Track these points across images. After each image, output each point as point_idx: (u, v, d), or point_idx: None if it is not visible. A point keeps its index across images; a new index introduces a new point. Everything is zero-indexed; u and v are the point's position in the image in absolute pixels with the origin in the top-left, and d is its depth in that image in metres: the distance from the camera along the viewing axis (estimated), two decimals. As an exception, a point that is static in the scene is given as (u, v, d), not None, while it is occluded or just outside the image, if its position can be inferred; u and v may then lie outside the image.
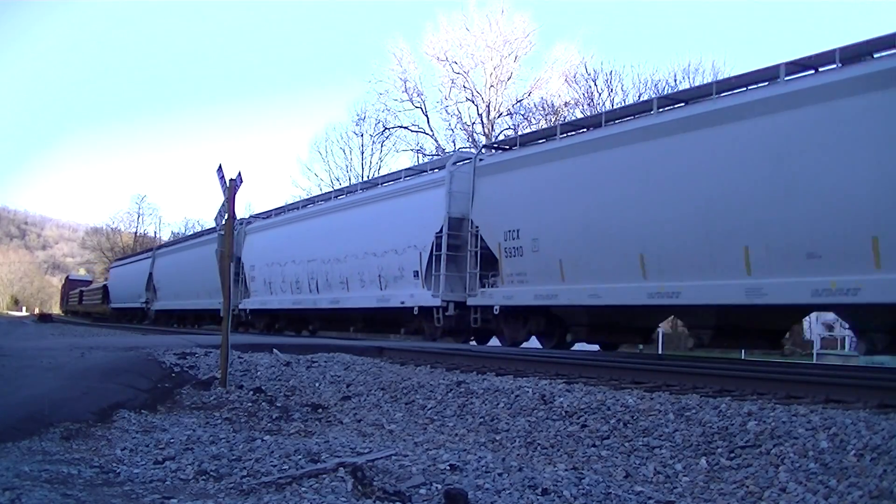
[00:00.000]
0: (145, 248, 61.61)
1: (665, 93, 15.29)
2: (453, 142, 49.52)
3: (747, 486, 5.24)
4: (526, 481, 4.99)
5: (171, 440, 6.49)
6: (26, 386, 8.76)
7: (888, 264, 10.13)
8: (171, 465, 5.56)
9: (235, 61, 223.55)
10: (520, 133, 19.76)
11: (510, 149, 18.11)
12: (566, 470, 5.57)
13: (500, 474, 5.17)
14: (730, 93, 12.78)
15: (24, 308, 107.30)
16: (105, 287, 57.36)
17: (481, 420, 7.75)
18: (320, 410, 8.74)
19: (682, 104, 13.75)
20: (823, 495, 4.87)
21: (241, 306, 27.69)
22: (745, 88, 12.66)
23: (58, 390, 8.50)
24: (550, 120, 46.17)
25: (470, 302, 17.61)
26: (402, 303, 19.06)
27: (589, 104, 45.98)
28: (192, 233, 53.45)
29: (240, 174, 10.28)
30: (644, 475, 5.71)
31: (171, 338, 16.26)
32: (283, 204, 30.21)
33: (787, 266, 11.33)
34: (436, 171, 19.61)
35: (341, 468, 4.97)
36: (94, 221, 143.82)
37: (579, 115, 46.33)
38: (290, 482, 4.82)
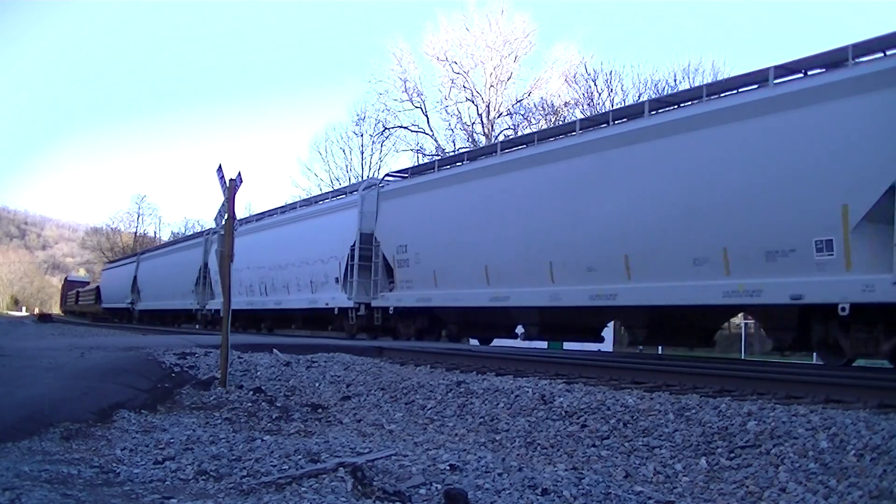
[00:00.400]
0: (145, 247, 62.58)
1: (539, 129, 21.45)
2: (453, 142, 49.55)
3: (747, 486, 5.24)
4: (526, 481, 5.00)
5: (171, 440, 6.49)
6: (26, 386, 8.76)
7: (635, 276, 13.57)
8: (171, 465, 5.56)
9: (235, 61, 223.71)
10: (413, 165, 24.76)
11: (406, 177, 21.72)
12: (566, 470, 5.58)
13: (499, 474, 5.17)
14: (546, 141, 16.77)
15: (23, 308, 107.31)
16: (97, 288, 60.67)
17: (481, 420, 7.75)
18: (320, 410, 8.74)
19: (520, 147, 17.65)
20: (823, 495, 4.87)
21: (207, 307, 32.58)
22: (554, 138, 16.56)
23: (58, 390, 8.50)
24: (550, 120, 46.20)
25: (374, 304, 21.13)
26: (327, 304, 22.66)
27: (589, 104, 45.99)
28: (169, 240, 57.46)
29: (240, 174, 10.27)
30: (644, 475, 5.71)
31: (170, 338, 16.26)
32: (247, 216, 34.33)
33: (575, 277, 14.80)
34: (353, 194, 23.16)
35: (341, 468, 4.97)
36: (93, 221, 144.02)
37: (579, 115, 46.44)
38: (290, 482, 4.82)
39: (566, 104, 46.51)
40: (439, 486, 4.82)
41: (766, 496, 5.07)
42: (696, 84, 34.35)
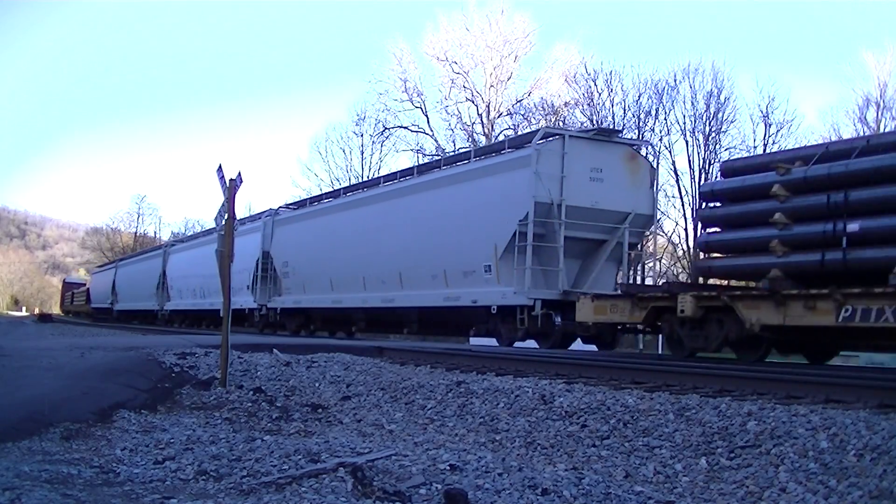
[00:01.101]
0: (145, 247, 63.55)
1: (394, 171, 26.21)
2: (453, 142, 49.49)
3: (747, 486, 5.24)
4: (526, 481, 5.00)
5: (171, 440, 6.49)
6: (26, 386, 8.76)
7: (405, 287, 19.99)
8: (171, 465, 5.56)
9: (235, 61, 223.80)
10: (298, 199, 32.42)
11: (293, 209, 28.82)
12: (566, 470, 5.58)
13: (500, 474, 5.17)
14: (361, 190, 24.58)
15: (23, 308, 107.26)
16: (88, 290, 67.18)
17: (481, 420, 7.75)
18: (320, 410, 8.74)
19: (351, 193, 24.91)
20: (823, 495, 4.87)
21: (164, 307, 39.49)
22: (364, 189, 24.48)
23: (58, 390, 8.51)
24: (550, 120, 46.18)
25: (269, 305, 27.93)
26: (241, 305, 28.27)
27: (589, 104, 45.95)
28: (139, 251, 62.05)
29: (240, 174, 10.28)
30: (644, 475, 5.72)
31: (170, 338, 16.26)
32: (185, 234, 43.65)
33: (375, 287, 21.27)
34: (259, 220, 30.19)
35: (341, 468, 4.97)
36: (94, 221, 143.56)
37: (579, 116, 46.47)
38: (290, 482, 4.82)
39: (566, 104, 46.51)
40: (439, 486, 4.82)
41: (766, 496, 5.07)
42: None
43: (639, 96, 46.47)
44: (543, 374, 10.13)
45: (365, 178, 51.07)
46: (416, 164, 25.45)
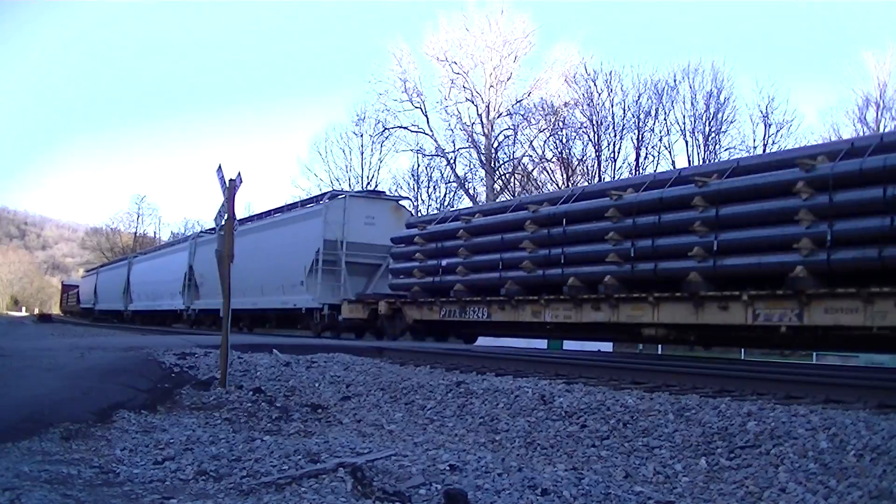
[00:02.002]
0: (144, 247, 64.30)
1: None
2: (453, 142, 49.53)
3: (747, 487, 5.24)
4: (526, 481, 5.00)
5: (171, 440, 6.49)
6: (26, 386, 8.76)
7: (265, 294, 26.83)
8: (171, 465, 5.56)
9: (235, 61, 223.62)
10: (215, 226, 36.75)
11: (210, 233, 34.21)
12: (566, 470, 5.58)
13: (499, 474, 5.17)
14: (254, 220, 31.73)
15: (23, 308, 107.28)
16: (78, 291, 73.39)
17: (481, 420, 7.75)
18: (320, 411, 8.74)
19: (245, 223, 30.04)
20: (823, 495, 4.87)
21: (129, 308, 46.52)
22: (247, 224, 30.42)
23: (57, 391, 8.50)
24: (550, 120, 46.17)
25: (191, 307, 34.79)
26: (174, 307, 36.83)
27: (589, 104, 45.97)
28: (113, 259, 67.80)
29: (239, 174, 10.28)
30: (644, 475, 5.72)
31: (170, 338, 16.27)
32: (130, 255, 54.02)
33: (254, 293, 26.69)
34: (186, 241, 38.90)
35: (341, 468, 4.97)
36: (93, 222, 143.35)
37: (579, 116, 46.47)
38: (290, 482, 4.82)
39: (566, 104, 46.51)
40: (439, 487, 4.82)
41: (765, 496, 5.07)
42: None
43: (639, 96, 46.48)
44: (543, 374, 10.14)
45: (364, 180, 51.69)
46: (272, 209, 32.60)
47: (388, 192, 34.83)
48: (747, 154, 40.07)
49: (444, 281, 18.58)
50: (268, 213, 30.87)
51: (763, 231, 12.02)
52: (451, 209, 26.90)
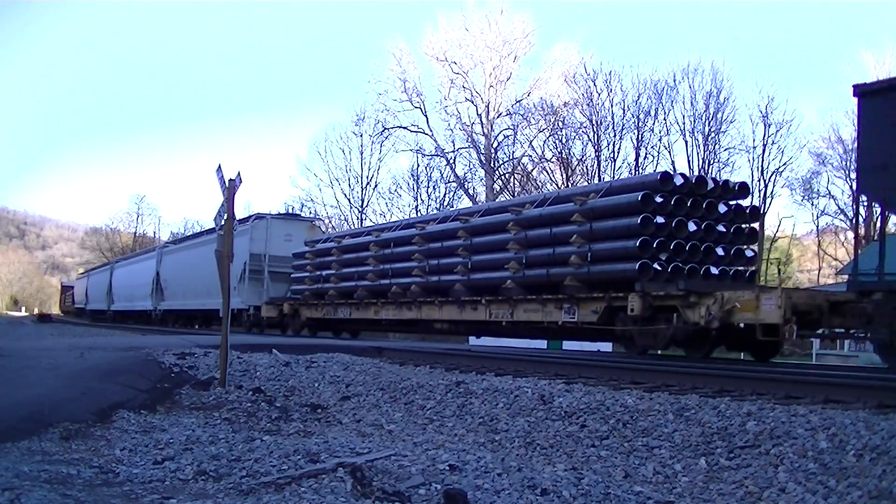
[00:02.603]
0: (144, 248, 64.88)
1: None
2: (452, 142, 49.53)
3: (746, 487, 5.24)
4: (525, 481, 5.00)
5: (171, 440, 6.49)
6: (26, 386, 8.76)
7: (210, 297, 28.99)
8: (171, 465, 5.56)
9: (235, 61, 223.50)
10: (182, 236, 47.09)
11: (174, 244, 41.92)
12: (565, 470, 5.58)
13: (499, 474, 5.17)
14: (189, 239, 41.07)
15: (23, 308, 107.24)
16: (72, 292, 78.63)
17: (481, 420, 7.75)
18: (319, 411, 8.74)
19: (196, 238, 37.25)
20: (823, 495, 4.87)
21: (111, 308, 51.63)
22: (197, 238, 37.38)
23: (57, 391, 8.51)
24: (550, 120, 46.18)
25: (158, 307, 39.46)
26: (144, 308, 42.00)
27: (588, 104, 45.95)
28: (101, 263, 70.76)
29: (239, 174, 10.28)
30: (643, 475, 5.72)
31: (170, 338, 16.27)
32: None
33: (197, 295, 31.69)
34: (154, 251, 43.75)
35: (341, 468, 4.97)
36: (93, 222, 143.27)
37: (579, 116, 46.48)
38: (290, 482, 4.83)
39: (566, 104, 46.50)
40: (439, 486, 4.83)
41: (765, 496, 5.07)
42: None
43: (638, 96, 46.43)
44: (543, 374, 10.13)
45: (363, 179, 51.97)
46: (213, 227, 40.28)
47: (303, 214, 42.58)
48: (745, 151, 39.99)
49: (324, 287, 24.04)
50: (211, 230, 34.59)
51: (491, 256, 17.54)
52: (336, 232, 32.19)
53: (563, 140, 46.73)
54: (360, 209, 54.88)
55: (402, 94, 49.92)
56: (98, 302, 55.88)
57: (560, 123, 46.40)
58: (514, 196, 46.03)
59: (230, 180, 10.20)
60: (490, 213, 18.65)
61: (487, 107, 48.14)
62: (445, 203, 49.69)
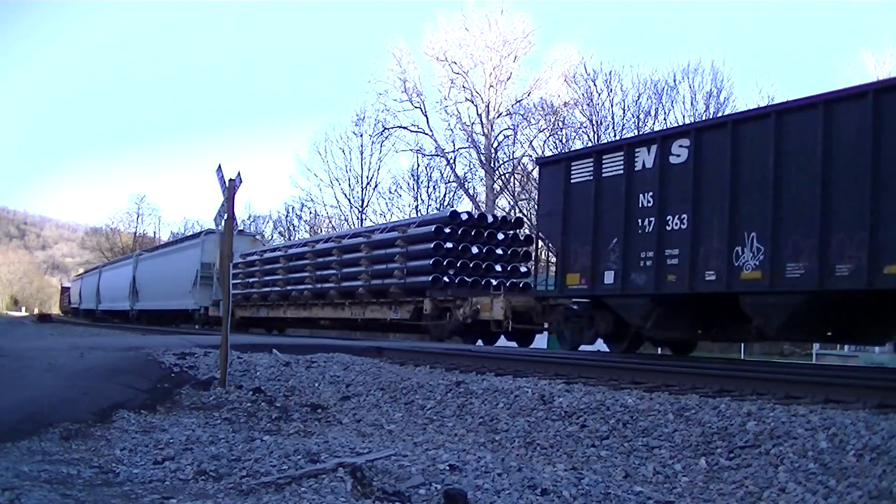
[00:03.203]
0: (144, 247, 66.12)
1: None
2: (453, 142, 49.56)
3: (746, 487, 5.24)
4: (525, 481, 5.00)
5: (171, 440, 6.49)
6: (25, 386, 8.76)
7: (170, 299, 38.02)
8: (171, 465, 5.56)
9: (235, 61, 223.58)
10: (155, 245, 53.78)
11: (149, 252, 47.00)
12: (565, 470, 5.58)
13: (499, 474, 5.17)
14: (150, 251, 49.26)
15: (23, 308, 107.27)
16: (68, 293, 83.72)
17: (481, 420, 7.75)
18: (320, 410, 8.74)
19: (159, 249, 46.59)
20: (823, 495, 4.87)
21: (99, 308, 56.23)
22: (159, 250, 46.68)
23: (57, 391, 8.51)
24: (550, 120, 46.18)
25: (133, 307, 44.46)
26: (122, 308, 47.24)
27: (588, 104, 45.95)
28: (91, 268, 73.91)
29: (239, 174, 10.27)
30: (643, 475, 5.72)
31: (170, 338, 16.26)
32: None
33: (162, 298, 39.66)
34: (130, 258, 49.92)
35: (341, 468, 4.97)
36: (93, 222, 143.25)
37: (579, 116, 46.47)
38: (290, 482, 4.83)
39: (566, 104, 46.51)
40: (439, 487, 4.83)
41: (765, 496, 5.07)
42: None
43: (638, 96, 46.46)
44: (543, 374, 10.14)
45: (363, 180, 52.28)
46: (175, 239, 46.89)
47: (247, 230, 51.00)
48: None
49: (250, 292, 30.46)
50: (172, 243, 46.33)
51: (351, 269, 23.43)
52: (261, 248, 35.09)
53: (564, 140, 46.74)
54: (361, 209, 54.96)
55: (402, 94, 49.97)
56: (89, 302, 60.53)
57: (560, 123, 46.42)
58: (514, 196, 46.15)
59: (230, 180, 10.20)
60: (354, 236, 24.43)
61: (487, 107, 48.16)
62: (446, 203, 49.75)
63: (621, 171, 14.51)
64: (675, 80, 46.73)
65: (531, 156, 47.79)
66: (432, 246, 19.26)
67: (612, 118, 46.12)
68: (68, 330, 34.46)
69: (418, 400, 8.87)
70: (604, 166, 14.97)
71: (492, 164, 47.86)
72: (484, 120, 48.34)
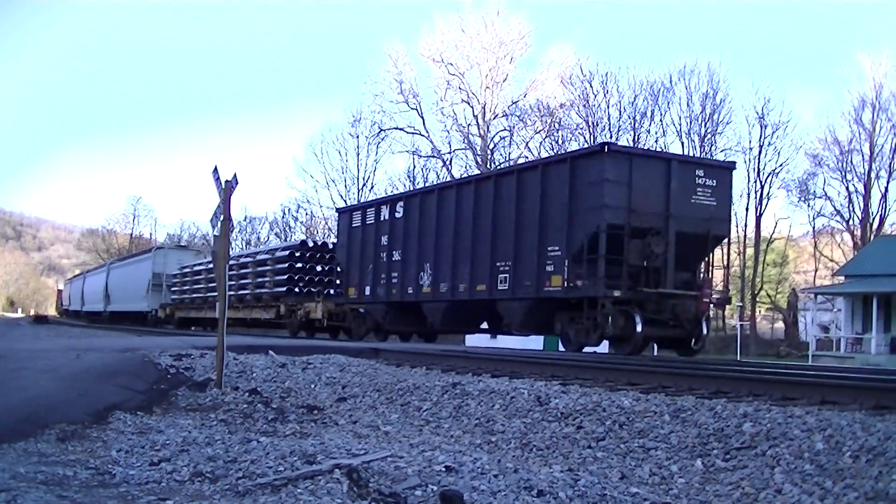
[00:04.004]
0: (141, 249, 66.49)
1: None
2: (449, 143, 49.60)
3: (743, 488, 5.25)
4: (521, 483, 5.00)
5: (167, 442, 6.49)
6: (22, 388, 8.75)
7: (131, 303, 45.40)
8: (167, 466, 5.56)
9: (231, 62, 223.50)
10: (130, 254, 58.53)
11: (119, 260, 52.65)
12: (562, 471, 5.58)
13: (495, 476, 5.17)
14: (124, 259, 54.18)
15: (19, 310, 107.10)
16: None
17: (477, 421, 7.75)
18: (316, 412, 8.73)
19: (129, 258, 51.83)
20: (819, 497, 4.88)
21: (83, 309, 60.05)
22: (125, 261, 51.72)
23: (54, 392, 8.50)
24: (546, 122, 46.21)
25: (107, 309, 49.77)
26: (97, 309, 52.28)
27: (585, 105, 46.00)
28: (80, 272, 75.99)
29: (235, 176, 10.27)
30: (640, 477, 5.72)
31: (166, 339, 16.25)
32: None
33: (128, 301, 45.64)
34: (104, 266, 56.34)
35: (337, 470, 4.97)
36: (89, 223, 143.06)
37: (575, 117, 46.49)
38: (286, 484, 4.82)
39: (562, 106, 46.56)
40: (435, 488, 4.83)
41: (761, 497, 5.08)
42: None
43: (634, 98, 46.62)
44: (539, 375, 10.13)
45: (359, 181, 52.53)
46: (136, 252, 53.54)
47: (191, 245, 55.55)
48: (741, 153, 40.03)
49: (182, 297, 36.58)
50: (133, 255, 52.21)
51: (242, 281, 28.90)
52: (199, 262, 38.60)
53: (560, 141, 46.85)
54: (357, 210, 54.96)
55: (398, 96, 50.05)
56: (76, 304, 65.25)
57: (556, 125, 46.49)
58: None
59: (226, 182, 10.19)
60: (246, 257, 30.52)
61: (484, 108, 48.23)
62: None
63: (373, 221, 21.65)
64: (671, 82, 46.85)
65: (527, 157, 47.81)
66: (286, 266, 25.93)
67: (609, 119, 46.22)
68: (64, 331, 34.40)
69: (414, 401, 8.87)
70: (366, 216, 22.09)
71: (488, 166, 47.86)
72: (480, 121, 48.40)
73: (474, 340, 26.02)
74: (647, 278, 14.49)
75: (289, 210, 65.03)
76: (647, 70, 73.62)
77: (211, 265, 30.15)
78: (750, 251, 50.02)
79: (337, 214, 26.68)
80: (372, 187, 55.08)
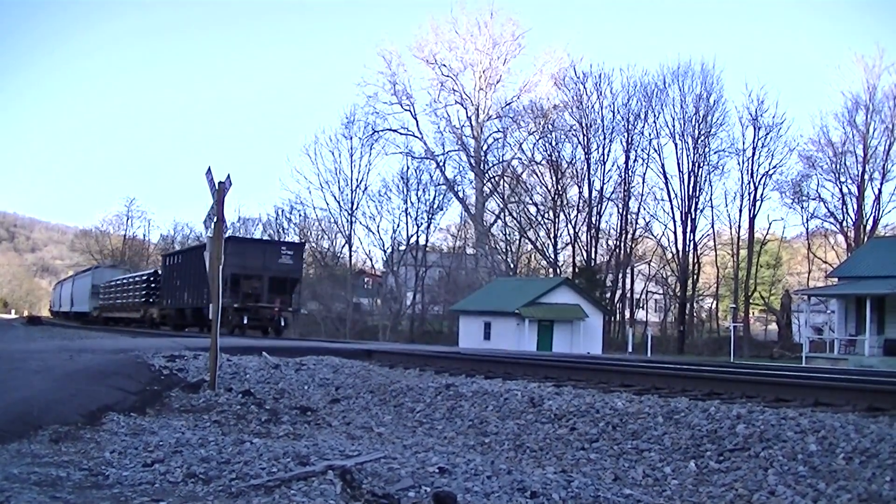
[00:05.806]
0: (136, 250, 68.17)
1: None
2: (442, 144, 49.65)
3: (736, 490, 5.26)
4: (515, 484, 5.00)
5: (160, 443, 6.47)
6: (15, 388, 8.72)
7: (83, 304, 57.64)
8: (160, 467, 5.54)
9: (227, 64, 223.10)
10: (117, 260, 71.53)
11: (108, 266, 62.12)
12: (555, 473, 5.58)
13: (488, 477, 5.17)
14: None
15: (13, 311, 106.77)
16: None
17: (470, 423, 7.75)
18: (309, 413, 8.72)
19: (87, 270, 62.50)
20: (812, 498, 4.89)
21: (72, 310, 62.14)
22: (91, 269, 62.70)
23: (47, 393, 8.47)
24: (540, 123, 46.22)
25: (71, 310, 61.11)
26: (83, 310, 55.27)
27: (578, 107, 46.01)
28: (70, 275, 79.20)
29: (229, 177, 10.27)
30: (633, 478, 5.73)
31: (160, 340, 16.22)
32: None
33: (79, 304, 58.22)
34: (90, 270, 60.88)
35: (330, 471, 4.97)
36: (83, 224, 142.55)
37: (568, 119, 46.53)
38: (279, 485, 4.82)
39: (555, 107, 46.61)
40: (428, 489, 4.82)
41: (755, 499, 5.08)
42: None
43: (628, 99, 46.65)
44: (532, 376, 10.14)
45: (353, 182, 52.81)
46: (90, 266, 59.89)
47: (119, 265, 63.75)
48: (735, 154, 40.09)
49: (107, 301, 45.27)
50: (84, 270, 61.18)
51: (128, 293, 42.76)
52: (124, 276, 48.38)
53: (553, 143, 46.88)
54: (350, 212, 54.96)
55: (391, 97, 50.15)
56: (65, 305, 69.29)
57: (550, 126, 46.51)
58: (503, 198, 46.19)
59: (220, 183, 10.19)
60: (126, 279, 42.77)
61: (477, 109, 48.33)
62: (435, 206, 49.85)
63: (172, 263, 36.53)
64: (665, 83, 46.90)
65: (520, 158, 47.85)
66: (145, 285, 39.06)
67: (602, 121, 46.23)
68: (58, 332, 34.31)
69: (408, 402, 8.87)
70: (173, 259, 36.59)
71: (481, 167, 47.92)
72: (473, 123, 48.47)
73: (468, 342, 25.99)
74: (253, 298, 27.91)
75: (282, 211, 65.06)
76: (641, 71, 73.79)
77: (126, 279, 44.32)
78: (743, 253, 50.12)
79: (162, 258, 45.66)
80: (366, 189, 55.10)
